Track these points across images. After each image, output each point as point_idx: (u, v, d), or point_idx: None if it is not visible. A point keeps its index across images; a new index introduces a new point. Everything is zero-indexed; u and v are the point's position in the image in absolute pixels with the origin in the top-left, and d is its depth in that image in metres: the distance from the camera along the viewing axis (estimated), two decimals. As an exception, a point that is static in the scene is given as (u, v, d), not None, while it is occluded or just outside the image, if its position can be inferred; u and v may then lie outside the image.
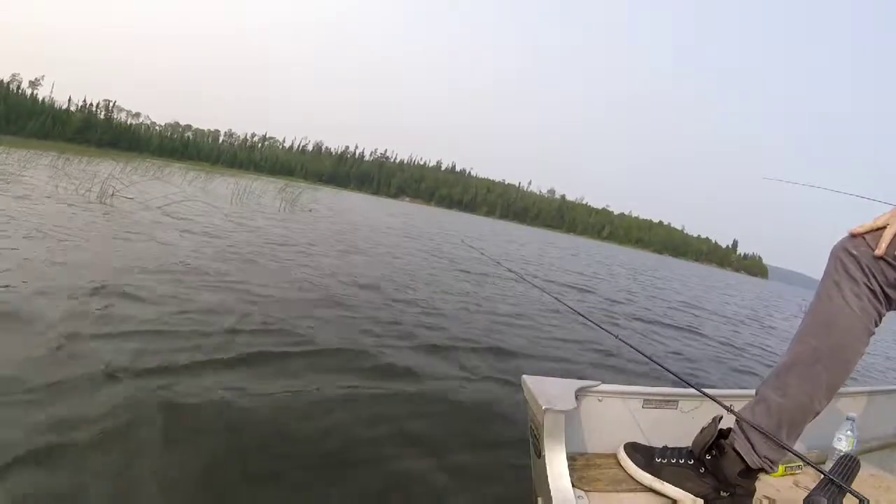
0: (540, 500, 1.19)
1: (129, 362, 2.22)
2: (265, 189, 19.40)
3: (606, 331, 1.65)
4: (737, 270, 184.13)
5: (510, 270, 2.84)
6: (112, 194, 8.22)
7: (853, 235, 1.19)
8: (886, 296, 1.15)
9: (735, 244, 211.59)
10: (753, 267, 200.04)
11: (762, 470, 1.20)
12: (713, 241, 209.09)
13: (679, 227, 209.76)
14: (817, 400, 1.17)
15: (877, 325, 1.17)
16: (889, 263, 1.13)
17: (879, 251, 1.13)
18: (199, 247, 5.37)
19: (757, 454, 1.18)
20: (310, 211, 15.91)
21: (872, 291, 1.14)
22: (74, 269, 3.62)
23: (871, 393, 1.95)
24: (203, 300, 3.37)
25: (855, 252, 1.16)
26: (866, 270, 1.14)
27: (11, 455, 1.50)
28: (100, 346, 2.34)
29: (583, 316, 1.76)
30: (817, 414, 1.20)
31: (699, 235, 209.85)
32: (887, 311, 1.18)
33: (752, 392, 1.29)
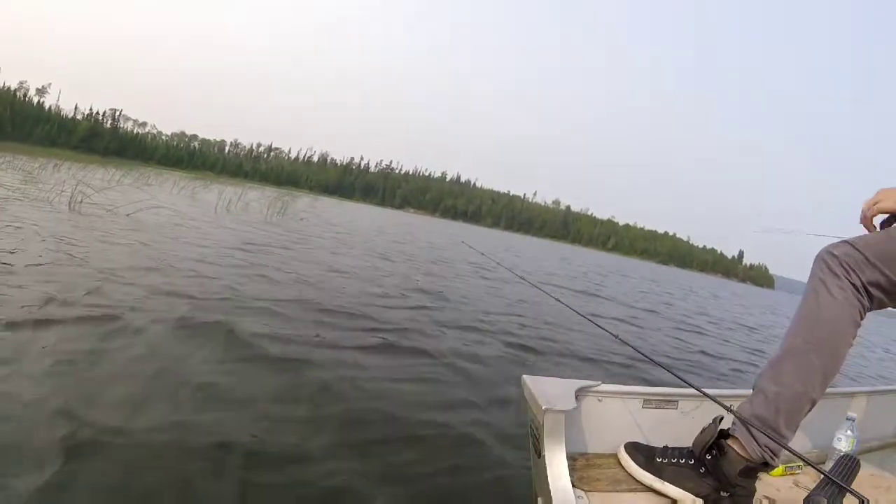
0: (540, 500, 1.18)
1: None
2: (260, 198, 18.62)
3: (607, 331, 1.66)
4: (743, 281, 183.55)
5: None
6: (81, 201, 7.98)
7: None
8: (868, 293, 1.24)
9: (741, 254, 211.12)
10: (759, 277, 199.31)
11: (764, 464, 1.22)
12: (718, 252, 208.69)
13: (684, 238, 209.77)
14: (812, 388, 1.22)
15: (862, 317, 1.24)
16: (869, 263, 1.22)
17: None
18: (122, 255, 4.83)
19: (758, 444, 1.20)
20: (301, 220, 15.35)
21: (854, 286, 1.23)
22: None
23: (871, 393, 1.95)
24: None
25: (836, 252, 1.26)
26: (847, 268, 1.23)
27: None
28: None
29: (583, 316, 1.76)
30: (814, 403, 1.23)
31: (704, 246, 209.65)
32: (870, 305, 1.25)
33: (751, 391, 1.30)
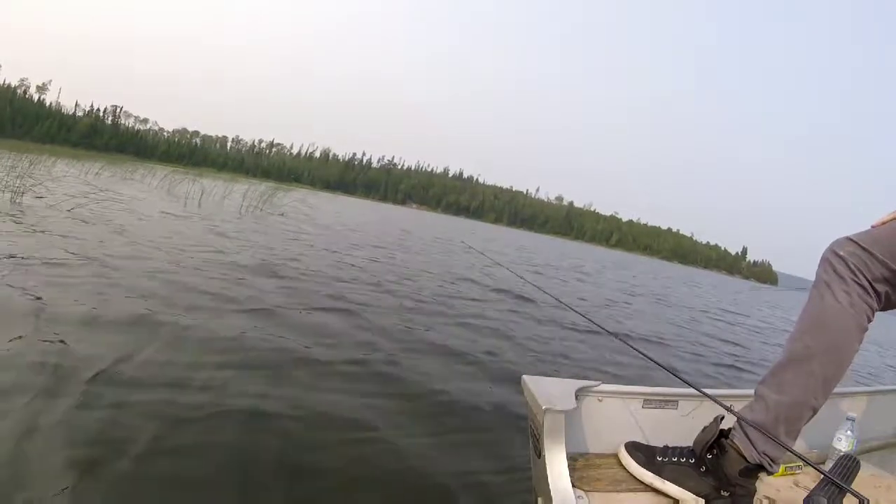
0: (540, 500, 1.19)
1: None
2: (246, 191, 16.95)
3: (607, 331, 1.66)
4: (746, 277, 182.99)
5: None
6: (23, 193, 7.53)
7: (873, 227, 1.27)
8: (876, 291, 1.20)
9: (745, 251, 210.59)
10: (763, 274, 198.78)
11: (762, 467, 1.21)
12: (722, 248, 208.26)
13: (688, 234, 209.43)
14: (813, 396, 1.20)
15: (869, 321, 1.21)
16: (875, 259, 1.19)
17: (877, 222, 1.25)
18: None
19: (756, 450, 1.19)
20: (281, 215, 14.25)
21: (862, 287, 1.19)
22: None
23: (871, 393, 1.95)
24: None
25: (841, 253, 1.22)
26: (853, 268, 1.19)
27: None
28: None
29: (584, 317, 1.76)
30: (815, 411, 1.22)
31: (708, 242, 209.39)
32: (878, 306, 1.22)
33: (752, 392, 1.29)
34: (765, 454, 1.19)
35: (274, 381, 2.40)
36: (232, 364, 2.53)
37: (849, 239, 1.24)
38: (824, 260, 1.26)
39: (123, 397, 1.99)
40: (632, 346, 1.54)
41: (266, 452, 1.81)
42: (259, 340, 2.91)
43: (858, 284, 1.19)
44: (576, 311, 1.90)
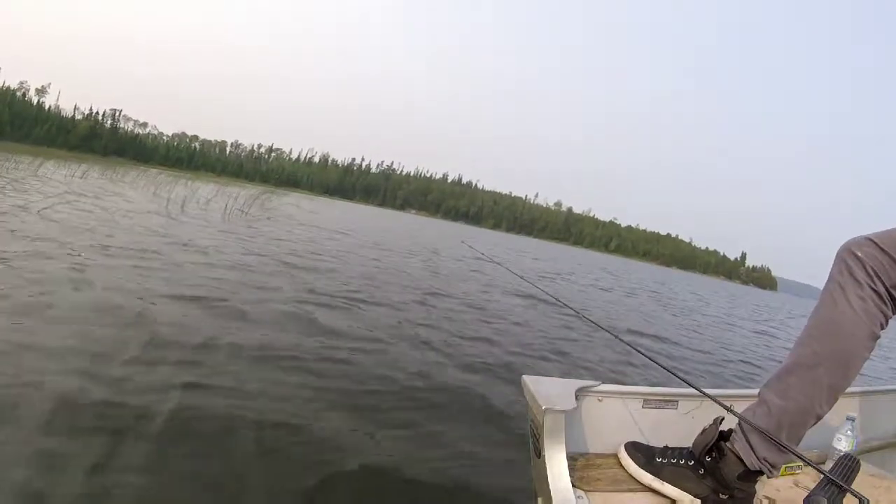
0: (540, 500, 1.18)
1: None
2: (236, 195, 16.49)
3: (607, 331, 1.66)
4: (745, 283, 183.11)
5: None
6: None
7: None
8: (892, 297, 1.14)
9: (744, 256, 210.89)
10: (762, 279, 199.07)
11: (761, 472, 1.19)
12: (721, 254, 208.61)
13: (686, 239, 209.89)
14: (818, 403, 1.17)
15: (883, 328, 1.15)
16: (895, 262, 1.13)
17: None
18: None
19: (756, 456, 1.17)
20: (268, 219, 13.91)
21: (878, 293, 1.13)
22: None
23: (871, 393, 1.94)
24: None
25: (859, 254, 1.15)
26: (871, 272, 1.13)
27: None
28: None
29: (584, 317, 1.76)
30: (819, 418, 1.19)
31: (707, 247, 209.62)
32: (894, 313, 1.16)
33: (753, 392, 1.29)
34: (765, 460, 1.17)
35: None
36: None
37: (868, 238, 1.17)
38: (840, 259, 1.19)
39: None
40: (632, 346, 1.54)
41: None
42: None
43: (874, 290, 1.13)
44: (578, 313, 1.90)
